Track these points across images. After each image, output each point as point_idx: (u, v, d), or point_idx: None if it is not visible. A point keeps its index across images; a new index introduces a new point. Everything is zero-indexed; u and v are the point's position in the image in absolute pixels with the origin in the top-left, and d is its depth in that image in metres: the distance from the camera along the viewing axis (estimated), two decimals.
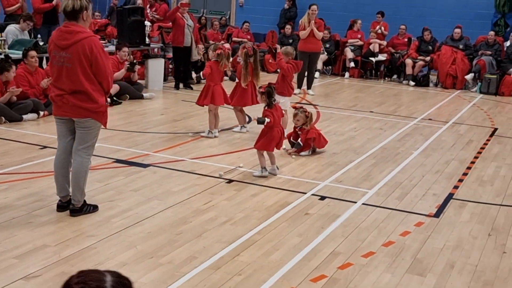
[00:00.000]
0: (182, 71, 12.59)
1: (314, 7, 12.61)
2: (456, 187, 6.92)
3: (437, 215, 5.93)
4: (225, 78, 9.22)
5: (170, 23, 12.88)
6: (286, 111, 8.88)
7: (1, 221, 5.14)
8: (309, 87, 12.90)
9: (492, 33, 15.21)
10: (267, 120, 6.74)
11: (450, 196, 6.54)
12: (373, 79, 15.98)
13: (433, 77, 15.51)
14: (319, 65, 15.72)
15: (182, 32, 12.11)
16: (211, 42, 15.21)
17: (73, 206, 5.37)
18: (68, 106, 5.16)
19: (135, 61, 11.78)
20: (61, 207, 5.41)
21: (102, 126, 5.41)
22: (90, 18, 5.30)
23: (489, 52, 14.82)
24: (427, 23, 15.90)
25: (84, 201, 5.42)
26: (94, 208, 5.48)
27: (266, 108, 6.86)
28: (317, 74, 15.48)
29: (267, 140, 6.81)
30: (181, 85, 12.54)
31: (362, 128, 9.77)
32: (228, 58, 8.58)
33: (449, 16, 16.43)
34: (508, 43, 15.19)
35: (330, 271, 4.56)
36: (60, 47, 5.11)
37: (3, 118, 8.63)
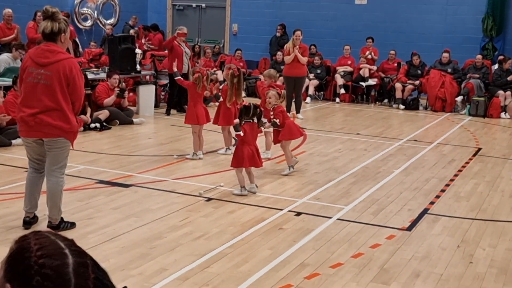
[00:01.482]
0: (177, 96, 12.83)
1: (298, 32, 12.87)
2: (432, 202, 7.04)
3: (409, 228, 6.05)
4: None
5: (166, 51, 13.16)
6: (270, 134, 9.08)
7: None
8: (297, 111, 13.08)
9: (479, 56, 15.43)
10: (239, 133, 6.92)
11: (425, 211, 6.66)
12: (364, 104, 16.18)
13: (422, 101, 15.71)
14: (311, 90, 15.97)
15: (181, 60, 12.38)
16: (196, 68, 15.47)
17: (51, 224, 5.50)
18: (41, 125, 5.24)
19: (125, 87, 12.00)
20: (28, 223, 5.54)
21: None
22: (68, 41, 5.49)
23: (477, 75, 15.03)
24: (416, 48, 16.16)
25: (61, 218, 5.55)
26: (72, 225, 5.62)
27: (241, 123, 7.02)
28: (308, 99, 15.75)
29: (239, 157, 6.95)
30: (173, 111, 12.73)
31: (346, 149, 9.93)
32: (207, 80, 8.79)
33: (438, 40, 16.72)
34: (496, 66, 15.41)
35: (296, 281, 4.67)
36: (39, 64, 5.24)
37: None
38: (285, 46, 13.08)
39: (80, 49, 15.33)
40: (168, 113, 12.72)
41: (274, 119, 7.91)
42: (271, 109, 8.00)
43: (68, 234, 5.36)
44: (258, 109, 7.04)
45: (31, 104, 5.28)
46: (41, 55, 5.27)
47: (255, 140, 7.09)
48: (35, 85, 5.26)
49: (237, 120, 7.20)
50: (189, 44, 13.84)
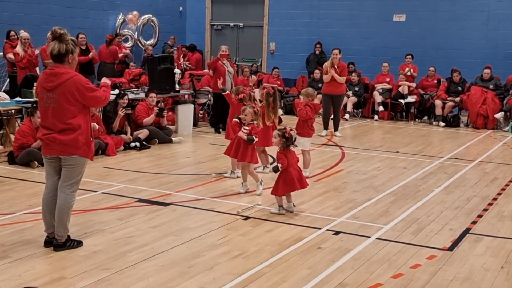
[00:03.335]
0: (221, 114, 12.95)
1: (336, 51, 12.88)
2: (474, 222, 6.91)
3: (450, 248, 5.95)
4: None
5: (206, 70, 13.37)
6: (308, 152, 9.08)
7: (23, 256, 5.39)
8: (335, 129, 13.05)
9: None
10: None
11: (467, 231, 6.54)
12: (403, 121, 16.03)
13: (463, 118, 15.48)
14: (349, 108, 15.91)
15: (224, 78, 12.49)
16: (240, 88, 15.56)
17: (56, 241, 5.57)
18: (55, 144, 5.41)
19: (164, 106, 12.16)
20: (48, 243, 5.62)
21: (89, 160, 5.62)
22: (76, 61, 5.54)
23: None
24: (455, 64, 16.01)
25: (68, 236, 5.61)
26: (78, 243, 5.65)
27: (279, 151, 7.03)
28: (347, 116, 15.70)
29: (287, 182, 6.93)
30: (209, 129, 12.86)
31: (385, 167, 9.83)
32: (250, 100, 8.83)
33: (478, 57, 16.53)
34: None
35: None
36: (46, 89, 5.39)
37: (36, 162, 9.01)
38: (324, 65, 13.10)
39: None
40: (218, 131, 12.75)
41: (253, 136, 7.82)
42: (246, 124, 7.95)
43: (108, 252, 5.44)
44: (284, 132, 7.08)
45: (47, 126, 5.47)
46: (47, 79, 5.42)
47: (296, 162, 7.10)
48: (47, 109, 5.44)
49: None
50: (233, 63, 14.00)
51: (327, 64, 12.82)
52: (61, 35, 5.40)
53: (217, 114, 13.01)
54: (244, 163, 7.92)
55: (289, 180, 6.95)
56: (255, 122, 7.97)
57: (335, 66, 12.63)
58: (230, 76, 12.81)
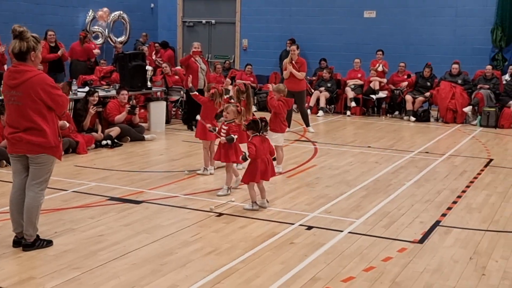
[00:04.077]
0: (194, 111, 12.91)
1: (293, 47, 12.82)
2: (444, 214, 6.98)
3: (421, 241, 6.00)
4: None
5: (182, 67, 13.35)
6: (281, 148, 9.08)
7: None
8: (307, 124, 13.05)
9: (489, 67, 15.38)
10: (234, 137, 7.09)
11: (436, 223, 6.60)
12: (374, 116, 16.14)
13: (433, 112, 15.64)
14: (322, 103, 15.95)
15: (196, 75, 12.48)
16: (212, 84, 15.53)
17: (25, 241, 5.47)
18: (22, 143, 5.31)
19: (136, 104, 12.07)
20: (17, 243, 5.52)
21: (57, 160, 5.53)
22: (39, 58, 5.41)
23: (487, 86, 14.96)
24: (425, 59, 16.13)
25: (37, 235, 5.52)
26: (48, 243, 5.56)
27: (249, 140, 7.00)
28: (320, 113, 15.73)
29: (251, 172, 6.93)
30: (183, 126, 12.81)
31: (357, 162, 9.89)
32: (221, 96, 8.78)
33: (447, 52, 16.70)
34: (507, 77, 15.34)
35: None
36: (10, 87, 5.30)
37: (4, 161, 8.86)
38: (283, 62, 13.05)
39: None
40: (191, 128, 12.66)
41: (231, 135, 7.72)
42: (225, 123, 7.88)
43: (79, 251, 5.37)
44: (264, 122, 7.04)
45: (12, 125, 5.37)
46: (10, 76, 5.32)
47: (266, 152, 7.07)
48: (11, 107, 5.34)
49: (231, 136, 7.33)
50: (206, 60, 13.92)
51: (286, 61, 12.81)
52: (21, 33, 5.27)
53: (190, 111, 12.95)
54: (229, 164, 7.82)
55: (251, 171, 6.93)
56: (236, 120, 7.88)
57: (294, 62, 12.64)
58: (203, 73, 12.76)
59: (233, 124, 7.83)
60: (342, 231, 6.25)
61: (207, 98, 8.74)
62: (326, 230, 6.26)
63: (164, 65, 15.07)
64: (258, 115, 8.17)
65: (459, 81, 15.24)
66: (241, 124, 7.74)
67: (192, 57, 12.69)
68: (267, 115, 8.48)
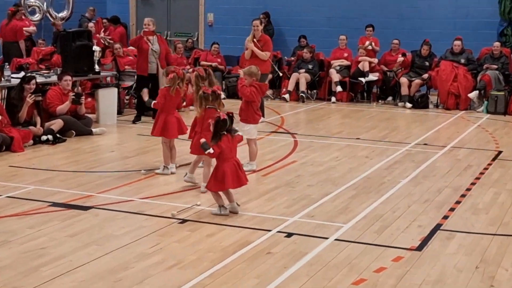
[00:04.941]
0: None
1: (256, 22, 12.81)
2: (446, 217, 7.09)
3: (419, 248, 6.09)
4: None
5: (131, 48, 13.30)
6: (255, 141, 9.11)
7: None
8: (262, 113, 12.95)
9: (497, 44, 15.57)
10: (209, 151, 6.87)
11: (437, 227, 6.71)
12: (364, 103, 16.29)
13: (433, 98, 15.83)
14: (302, 87, 16.01)
15: (146, 58, 12.44)
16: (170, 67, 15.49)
17: None
18: None
19: (81, 91, 12.00)
20: None
21: None
22: None
23: (495, 66, 15.18)
24: (423, 36, 16.26)
25: None
26: None
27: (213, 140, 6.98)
28: (301, 99, 15.80)
29: (217, 177, 6.94)
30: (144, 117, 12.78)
31: (344, 157, 9.99)
32: (182, 81, 8.78)
33: (448, 27, 16.87)
34: None
35: None
36: None
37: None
38: (245, 40, 13.04)
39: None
40: (137, 120, 12.69)
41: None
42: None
43: (18, 267, 5.35)
44: (232, 117, 7.05)
45: None
46: None
47: (234, 153, 7.10)
48: None
49: (203, 140, 7.10)
50: (163, 39, 13.81)
51: (247, 39, 12.82)
52: None
53: (140, 100, 12.90)
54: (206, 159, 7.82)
55: (220, 176, 6.95)
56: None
57: (256, 39, 12.67)
58: (155, 55, 12.62)
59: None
60: (327, 238, 6.31)
61: (165, 88, 8.69)
62: (308, 238, 6.32)
63: (116, 46, 14.99)
64: (227, 103, 8.25)
65: (462, 61, 15.45)
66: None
67: (143, 37, 12.60)
68: (238, 103, 8.50)
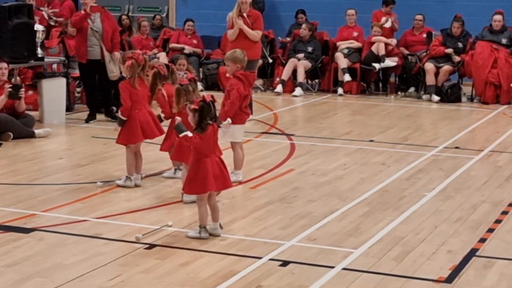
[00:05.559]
0: (98, 95, 12.88)
1: None
2: (482, 240, 7.14)
3: (449, 279, 6.12)
4: None
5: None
6: (241, 145, 9.14)
7: None
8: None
9: None
10: (186, 133, 6.92)
11: (472, 253, 6.75)
12: (379, 95, 16.35)
13: (466, 88, 15.89)
14: (300, 77, 16.04)
15: (85, 40, 12.47)
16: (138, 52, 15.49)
17: None
18: None
19: (20, 83, 11.98)
20: None
21: None
22: None
23: None
24: (453, 10, 16.36)
25: None
26: None
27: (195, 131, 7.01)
28: (297, 91, 15.82)
29: (197, 178, 6.96)
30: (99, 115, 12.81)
31: (355, 164, 10.04)
32: (144, 68, 8.80)
33: None
34: None
35: None
36: None
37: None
38: (227, 16, 13.06)
39: None
40: (90, 119, 12.70)
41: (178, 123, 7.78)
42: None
43: None
44: (214, 102, 7.08)
45: None
46: None
47: (217, 147, 7.13)
48: None
49: (178, 118, 7.16)
50: (112, 15, 13.69)
51: (232, 15, 12.80)
52: None
53: (90, 94, 12.91)
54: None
55: (200, 176, 6.96)
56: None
57: (245, 15, 12.69)
58: (97, 36, 12.57)
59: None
60: (333, 267, 6.33)
61: (127, 85, 8.70)
62: (309, 267, 6.34)
63: (65, 24, 14.95)
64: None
65: (504, 41, 15.52)
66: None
67: (89, 15, 12.50)
68: (219, 96, 8.51)
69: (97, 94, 12.95)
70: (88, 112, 12.95)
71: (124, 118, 8.74)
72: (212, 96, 7.07)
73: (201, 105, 6.95)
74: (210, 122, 7.00)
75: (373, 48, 16.19)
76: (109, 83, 12.83)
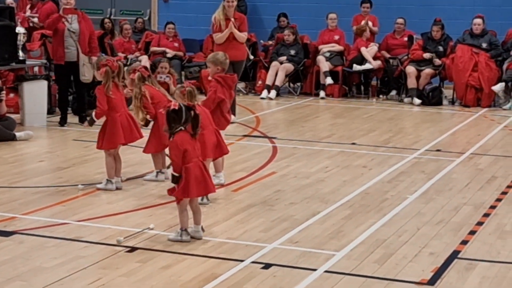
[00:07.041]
0: (73, 98, 12.87)
1: None
2: (464, 242, 7.13)
3: (432, 282, 6.11)
4: None
5: None
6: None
7: None
8: (233, 111, 12.92)
9: None
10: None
11: (454, 255, 6.74)
12: (361, 98, 16.38)
13: (448, 91, 15.93)
14: (280, 80, 16.00)
15: (61, 41, 12.38)
16: (120, 55, 15.46)
17: None
18: None
19: (1, 85, 11.92)
20: None
21: None
22: None
23: None
24: (434, 13, 16.40)
25: None
26: None
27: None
28: (272, 94, 15.76)
29: (183, 184, 6.93)
30: (73, 118, 12.72)
31: (337, 167, 10.03)
32: (119, 75, 8.77)
33: (465, 3, 16.95)
34: None
35: None
36: None
37: None
38: (212, 18, 13.04)
39: None
40: (63, 122, 12.65)
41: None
42: None
43: None
44: (192, 112, 7.02)
45: None
46: None
47: (199, 152, 7.08)
48: None
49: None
50: (89, 18, 13.56)
51: (218, 17, 12.79)
52: None
53: (63, 96, 12.84)
54: None
55: (186, 181, 6.92)
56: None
57: (232, 18, 12.69)
58: (74, 37, 12.51)
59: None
60: (315, 269, 6.31)
61: (101, 86, 8.68)
62: (291, 269, 6.31)
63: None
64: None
65: (484, 45, 15.55)
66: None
67: (63, 17, 12.44)
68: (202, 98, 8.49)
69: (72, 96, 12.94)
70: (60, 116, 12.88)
71: (96, 120, 8.75)
72: (193, 105, 7.04)
73: (166, 111, 6.95)
74: (182, 128, 6.95)
75: (363, 50, 16.11)
76: (83, 86, 12.77)
